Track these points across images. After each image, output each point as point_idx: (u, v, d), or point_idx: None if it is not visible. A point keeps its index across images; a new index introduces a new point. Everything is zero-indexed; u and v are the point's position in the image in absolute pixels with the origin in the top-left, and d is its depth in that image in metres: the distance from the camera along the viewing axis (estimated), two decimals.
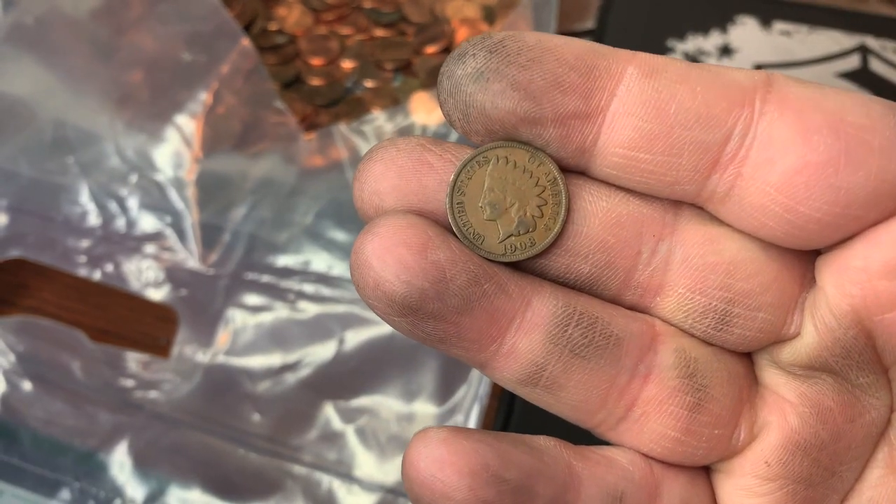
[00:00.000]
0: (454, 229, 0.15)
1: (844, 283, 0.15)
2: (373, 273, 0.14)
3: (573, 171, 0.16)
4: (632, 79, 0.15)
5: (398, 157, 0.15)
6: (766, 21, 0.39)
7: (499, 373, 0.16)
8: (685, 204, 0.16)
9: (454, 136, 0.35)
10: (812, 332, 0.16)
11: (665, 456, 0.17)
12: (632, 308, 0.17)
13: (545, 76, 0.14)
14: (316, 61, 0.41)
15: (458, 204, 0.15)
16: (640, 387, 0.16)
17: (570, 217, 0.16)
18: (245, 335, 0.32)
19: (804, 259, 0.16)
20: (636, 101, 0.15)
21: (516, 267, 0.16)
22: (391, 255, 0.14)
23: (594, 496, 0.16)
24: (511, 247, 0.16)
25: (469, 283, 0.15)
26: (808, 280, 0.16)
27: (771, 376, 0.17)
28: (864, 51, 0.38)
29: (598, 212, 0.16)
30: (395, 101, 0.39)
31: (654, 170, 0.15)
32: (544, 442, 0.16)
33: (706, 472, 0.17)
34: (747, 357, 0.17)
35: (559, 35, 0.15)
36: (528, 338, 0.15)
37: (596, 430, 0.17)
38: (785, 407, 0.16)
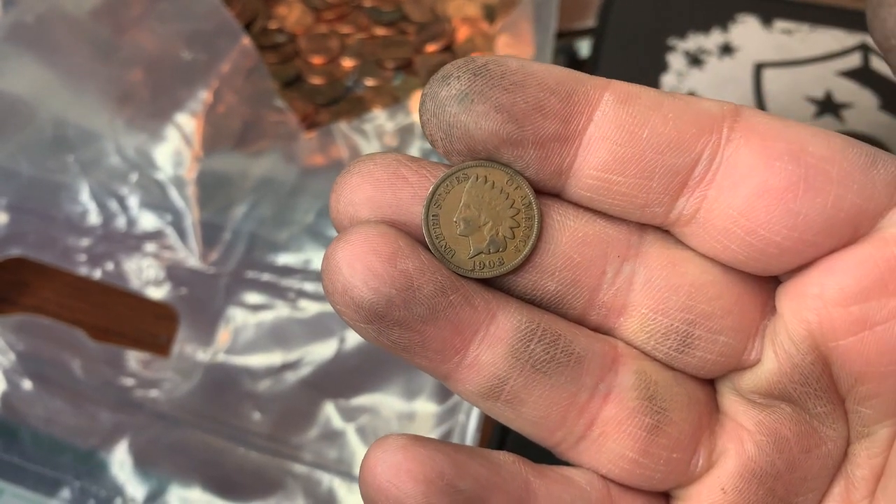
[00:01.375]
0: (427, 240, 0.16)
1: (801, 309, 0.16)
2: (342, 279, 0.15)
3: (548, 193, 0.16)
4: (608, 104, 0.15)
5: (375, 170, 0.16)
6: (766, 19, 0.39)
7: (461, 385, 0.16)
8: (650, 228, 0.16)
9: None
10: (772, 359, 0.16)
11: (623, 477, 0.17)
12: (596, 329, 0.17)
13: (528, 100, 0.15)
14: (316, 60, 0.41)
15: (433, 216, 0.16)
16: (599, 406, 0.16)
17: (540, 241, 0.16)
18: (245, 334, 0.32)
19: (765, 287, 0.17)
20: (611, 126, 0.15)
21: (484, 282, 0.16)
22: (361, 262, 0.15)
23: None
24: (480, 264, 0.16)
25: (436, 293, 0.15)
26: (769, 308, 0.17)
27: (731, 404, 0.17)
28: (865, 49, 0.38)
29: (565, 230, 0.16)
30: (395, 100, 0.39)
31: (626, 192, 0.15)
32: (504, 457, 0.16)
33: (665, 499, 0.18)
34: (709, 384, 0.17)
35: (538, 62, 0.15)
36: (491, 351, 0.16)
37: (556, 450, 0.17)
38: (743, 435, 0.17)
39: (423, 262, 0.15)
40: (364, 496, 0.15)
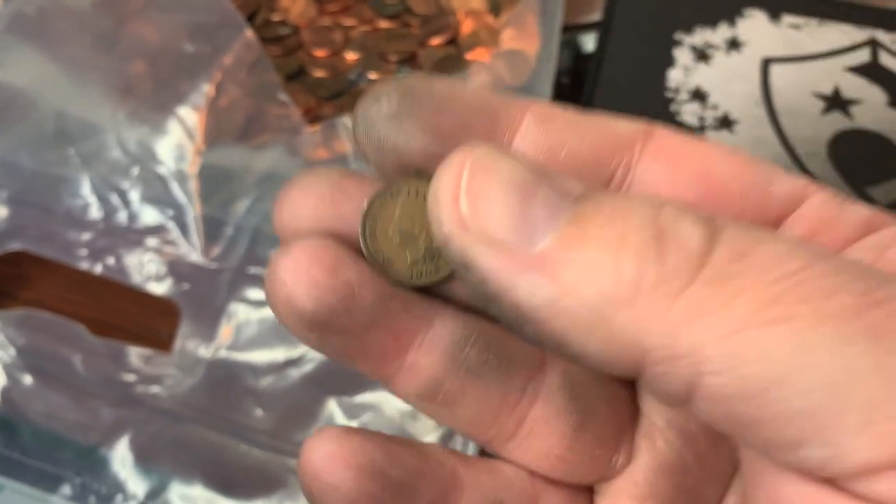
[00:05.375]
0: (365, 253, 0.17)
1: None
2: (285, 290, 0.16)
3: None
4: (529, 125, 0.16)
5: (318, 183, 0.17)
6: (774, 14, 0.39)
7: (400, 387, 0.17)
8: None
9: None
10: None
11: (549, 472, 0.18)
12: None
13: (453, 120, 0.16)
14: (319, 53, 0.41)
15: (370, 230, 0.17)
16: (529, 405, 0.18)
17: None
18: (248, 330, 0.32)
19: None
20: (532, 146, 0.16)
21: (423, 291, 0.17)
22: (304, 273, 0.16)
23: (475, 500, 0.17)
24: (417, 273, 0.17)
25: (376, 301, 0.16)
26: None
27: (646, 402, 0.18)
28: (874, 45, 0.38)
29: None
30: None
31: None
32: (434, 448, 0.18)
33: (588, 492, 0.19)
34: (631, 385, 0.18)
35: (464, 85, 0.17)
36: (428, 356, 0.17)
37: (489, 446, 0.18)
38: (654, 431, 0.18)
39: (364, 273, 0.16)
40: (301, 483, 0.16)
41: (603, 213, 0.13)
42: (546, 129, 0.16)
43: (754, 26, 0.39)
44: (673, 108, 0.36)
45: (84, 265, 0.34)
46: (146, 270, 0.34)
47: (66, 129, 0.36)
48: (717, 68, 0.38)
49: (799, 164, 0.35)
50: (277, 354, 0.32)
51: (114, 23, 0.38)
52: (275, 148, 0.36)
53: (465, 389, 0.17)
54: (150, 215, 0.34)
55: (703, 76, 0.37)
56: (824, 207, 0.16)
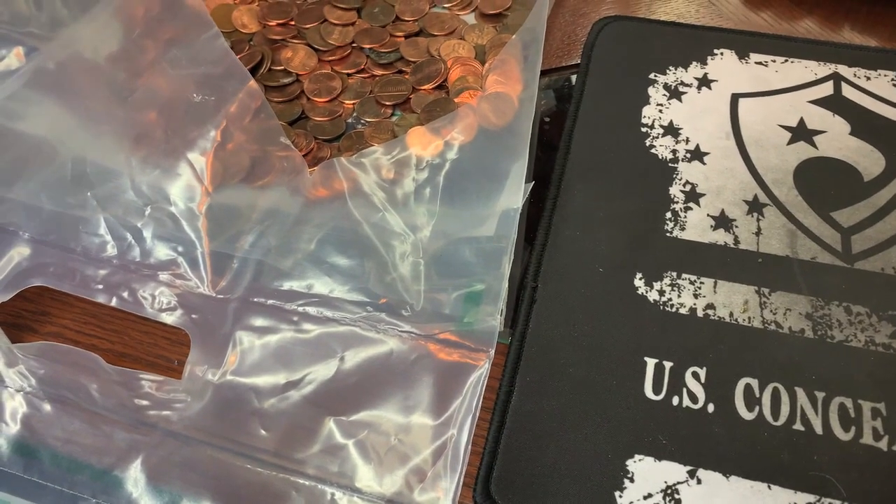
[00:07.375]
0: None
1: None
2: None
3: None
4: None
5: None
6: (742, 54, 0.41)
7: None
8: None
9: (448, 166, 0.36)
10: None
11: None
12: None
13: None
14: (319, 99, 0.43)
15: None
16: None
17: None
18: (252, 355, 0.34)
19: None
20: None
21: None
22: None
23: None
24: None
25: None
26: None
27: None
28: (837, 78, 0.40)
29: None
30: (393, 135, 0.40)
31: None
32: None
33: None
34: None
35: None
36: None
37: None
38: None
39: None
40: None
41: None
42: None
43: (724, 65, 0.41)
44: (648, 142, 0.38)
45: (100, 299, 0.36)
46: (158, 303, 0.35)
47: (83, 175, 0.37)
48: (689, 104, 0.39)
49: (767, 191, 0.36)
50: (279, 378, 0.33)
51: (127, 76, 0.40)
52: (278, 188, 0.37)
53: None
54: (161, 251, 0.36)
55: (675, 112, 0.39)
56: None
